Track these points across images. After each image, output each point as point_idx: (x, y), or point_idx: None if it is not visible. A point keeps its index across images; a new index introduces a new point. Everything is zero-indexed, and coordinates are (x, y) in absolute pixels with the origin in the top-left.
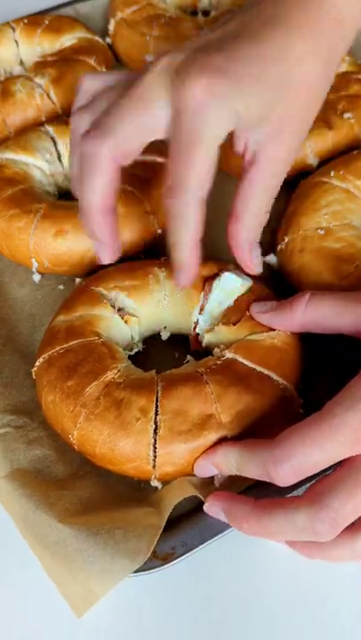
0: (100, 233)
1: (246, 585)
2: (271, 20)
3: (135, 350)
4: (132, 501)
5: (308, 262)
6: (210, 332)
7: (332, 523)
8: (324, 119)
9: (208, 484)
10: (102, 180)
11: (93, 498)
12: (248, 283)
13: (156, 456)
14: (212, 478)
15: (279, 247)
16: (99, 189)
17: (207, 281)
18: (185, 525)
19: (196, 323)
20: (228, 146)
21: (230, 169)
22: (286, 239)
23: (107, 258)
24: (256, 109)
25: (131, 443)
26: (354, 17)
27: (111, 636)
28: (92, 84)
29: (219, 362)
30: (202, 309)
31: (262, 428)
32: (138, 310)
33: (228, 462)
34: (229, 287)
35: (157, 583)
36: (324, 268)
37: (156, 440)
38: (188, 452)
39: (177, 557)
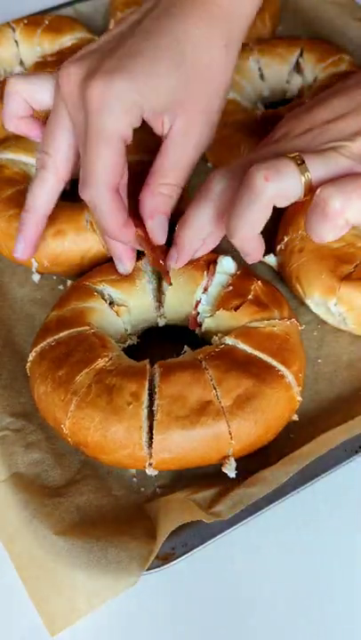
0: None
1: (246, 585)
2: (164, 13)
3: (128, 343)
4: (131, 506)
5: (308, 262)
6: (210, 317)
7: None
8: None
9: (210, 505)
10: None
11: (91, 504)
12: (237, 264)
13: (152, 442)
14: (215, 499)
15: (279, 247)
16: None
17: (211, 264)
18: (185, 525)
19: (198, 302)
20: (225, 145)
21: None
22: (286, 239)
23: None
24: (157, 98)
25: (123, 428)
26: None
27: (111, 635)
28: (17, 90)
29: (217, 349)
30: (205, 289)
31: (262, 414)
32: (126, 302)
33: None
34: (228, 268)
35: (157, 583)
36: (323, 267)
37: (151, 426)
38: (185, 439)
39: (177, 557)
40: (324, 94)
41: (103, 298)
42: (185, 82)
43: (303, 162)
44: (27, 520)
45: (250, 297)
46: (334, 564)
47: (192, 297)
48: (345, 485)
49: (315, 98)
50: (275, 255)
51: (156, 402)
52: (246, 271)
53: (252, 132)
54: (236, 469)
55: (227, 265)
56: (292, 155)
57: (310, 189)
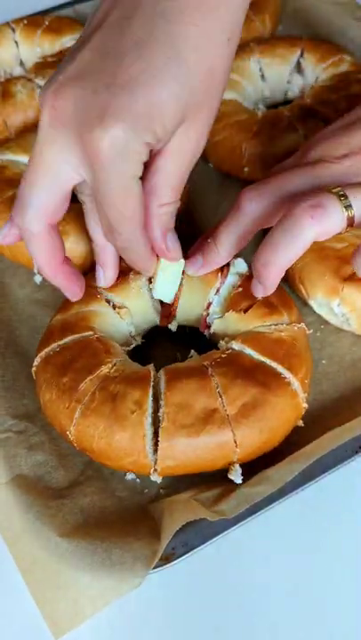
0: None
1: (246, 585)
2: (153, 13)
3: (133, 345)
4: (135, 507)
5: (311, 263)
6: (220, 318)
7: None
8: (324, 119)
9: (214, 504)
10: (43, 246)
11: (94, 506)
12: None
13: (157, 449)
14: (219, 498)
15: None
16: (44, 255)
17: (224, 266)
18: (185, 525)
19: (210, 303)
20: (225, 146)
21: (230, 169)
22: None
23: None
24: (164, 129)
25: (127, 436)
26: None
27: (111, 635)
28: None
29: (224, 355)
30: (217, 291)
31: (267, 422)
32: (124, 303)
33: None
34: (241, 270)
35: (157, 583)
36: (326, 268)
37: (155, 433)
38: (190, 447)
39: (177, 557)
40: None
41: (107, 300)
42: (189, 94)
43: (346, 196)
44: (30, 522)
45: (258, 299)
46: (335, 564)
47: (204, 298)
48: (346, 485)
49: (351, 114)
50: None
51: (161, 409)
52: None
53: (253, 132)
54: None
55: (240, 266)
56: (335, 190)
57: (351, 224)
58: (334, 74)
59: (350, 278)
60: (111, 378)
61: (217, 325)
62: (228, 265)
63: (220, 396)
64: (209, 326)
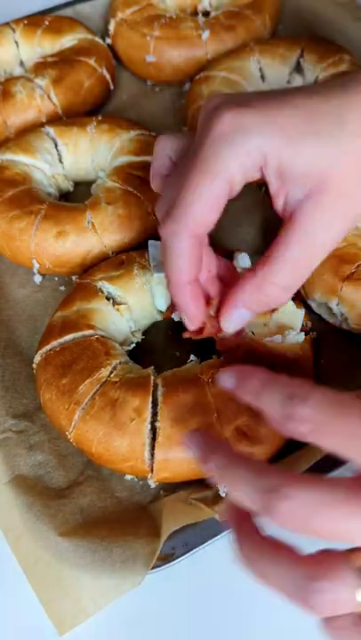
0: (185, 305)
1: (246, 585)
2: (338, 82)
3: (133, 344)
4: (134, 507)
5: None
6: None
7: None
8: None
9: (213, 503)
10: (185, 259)
11: (94, 506)
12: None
13: (153, 460)
14: (218, 497)
15: None
16: (184, 267)
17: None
18: (185, 525)
19: None
20: None
21: None
22: None
23: (190, 326)
24: (292, 158)
25: (125, 443)
26: None
27: (111, 635)
28: (163, 146)
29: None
30: None
31: (262, 442)
32: (125, 298)
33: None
34: (244, 264)
35: (157, 583)
36: (325, 267)
37: (154, 438)
38: (186, 461)
39: (177, 557)
40: None
41: (107, 297)
42: (336, 154)
43: None
44: (31, 522)
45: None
46: None
47: None
48: None
49: None
50: None
51: (157, 423)
52: None
53: None
54: None
55: (242, 261)
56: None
57: None
58: (334, 73)
59: (349, 277)
60: (111, 383)
61: None
62: (231, 258)
63: (215, 414)
64: None
